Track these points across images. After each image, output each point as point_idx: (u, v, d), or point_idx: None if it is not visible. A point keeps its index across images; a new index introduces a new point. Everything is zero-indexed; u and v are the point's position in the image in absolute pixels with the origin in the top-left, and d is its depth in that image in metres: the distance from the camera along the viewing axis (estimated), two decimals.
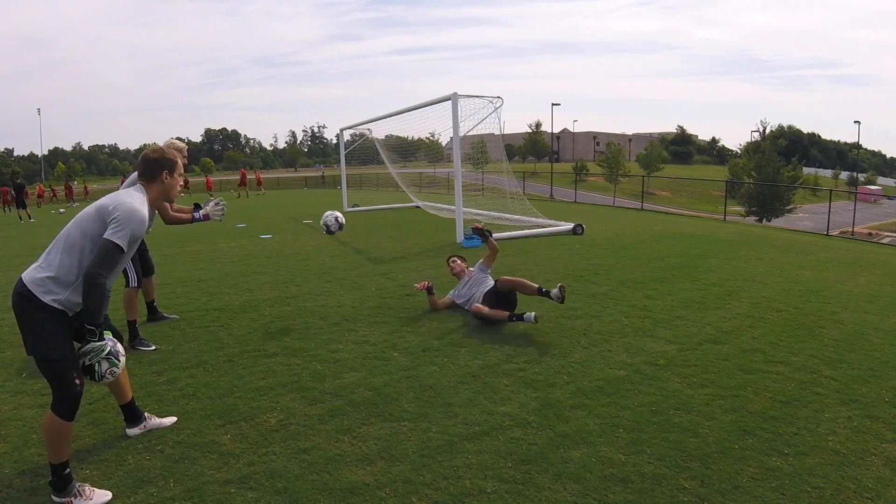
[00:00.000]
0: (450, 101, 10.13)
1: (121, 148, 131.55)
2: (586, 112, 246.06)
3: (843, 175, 73.75)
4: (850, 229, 19.58)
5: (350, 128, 18.43)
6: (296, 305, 5.75)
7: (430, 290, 5.39)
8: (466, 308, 5.27)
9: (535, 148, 72.10)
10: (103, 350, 2.54)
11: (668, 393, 3.49)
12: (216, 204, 4.26)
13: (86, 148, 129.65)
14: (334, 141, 62.58)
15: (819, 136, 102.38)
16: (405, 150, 20.22)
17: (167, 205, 4.43)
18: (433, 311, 5.41)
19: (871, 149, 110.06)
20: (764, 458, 2.74)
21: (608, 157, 49.60)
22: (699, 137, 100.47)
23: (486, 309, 4.88)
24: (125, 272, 4.58)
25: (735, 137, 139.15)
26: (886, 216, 40.95)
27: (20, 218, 20.69)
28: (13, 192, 22.00)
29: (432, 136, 18.58)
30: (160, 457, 2.83)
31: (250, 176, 35.06)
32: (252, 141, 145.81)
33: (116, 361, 2.59)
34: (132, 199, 2.59)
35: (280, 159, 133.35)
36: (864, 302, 5.77)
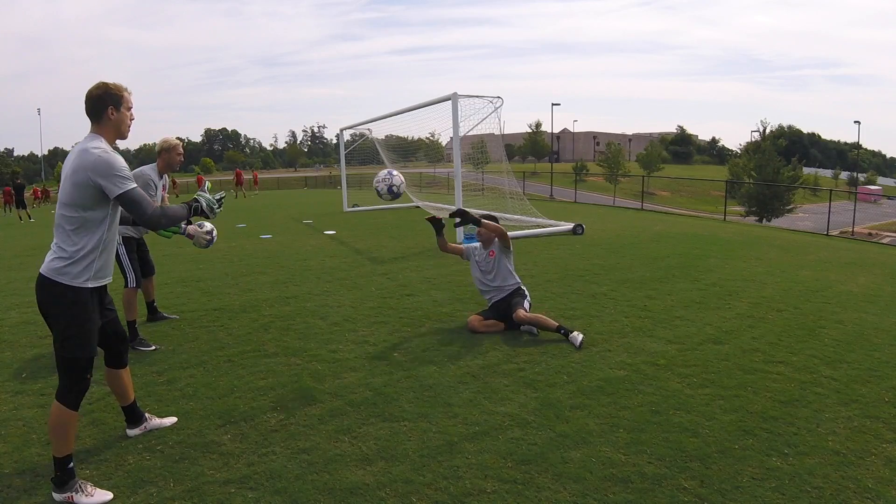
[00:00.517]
0: (450, 102, 10.12)
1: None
2: (586, 112, 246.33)
3: (843, 175, 73.73)
4: (850, 229, 19.58)
5: (350, 128, 18.43)
6: (296, 305, 5.75)
7: (439, 242, 5.00)
8: (479, 288, 5.04)
9: (535, 148, 72.13)
10: (208, 199, 2.88)
11: (668, 393, 3.49)
12: (201, 226, 4.25)
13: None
14: (334, 141, 62.53)
15: (819, 136, 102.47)
16: (405, 150, 20.20)
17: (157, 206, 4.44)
18: (441, 251, 5.17)
19: (871, 149, 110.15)
20: (764, 458, 2.74)
21: (608, 157, 49.63)
22: (699, 137, 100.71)
23: (480, 326, 4.71)
24: (123, 272, 4.57)
25: (735, 137, 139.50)
26: (886, 216, 40.95)
27: (20, 218, 20.70)
28: (14, 192, 21.98)
29: (432, 136, 18.56)
30: (160, 457, 2.83)
31: (247, 176, 35.10)
32: (252, 141, 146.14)
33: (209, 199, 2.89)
34: (95, 150, 2.45)
35: (280, 159, 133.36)
36: (864, 302, 5.77)
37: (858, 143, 76.75)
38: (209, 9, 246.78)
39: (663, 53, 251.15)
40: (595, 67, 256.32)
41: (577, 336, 4.38)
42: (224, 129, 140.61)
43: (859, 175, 73.32)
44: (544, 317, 4.66)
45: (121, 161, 2.49)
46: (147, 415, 3.13)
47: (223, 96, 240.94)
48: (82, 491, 2.46)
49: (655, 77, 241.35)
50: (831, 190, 20.63)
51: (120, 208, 2.59)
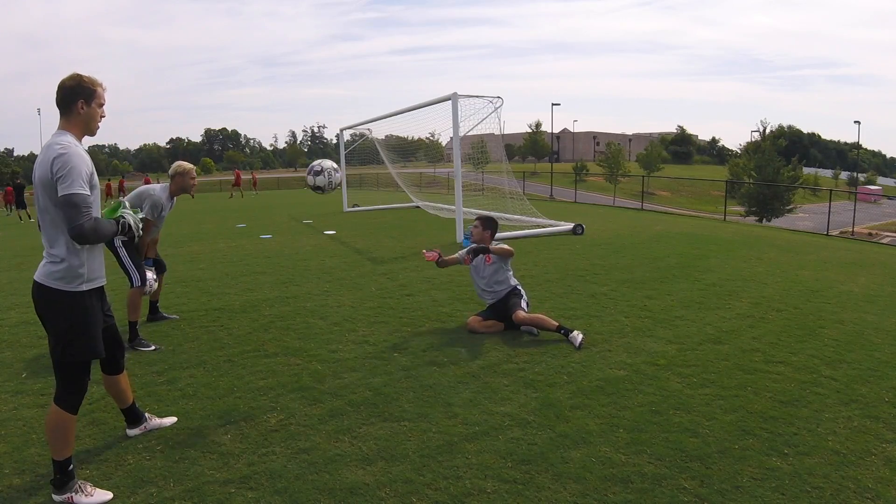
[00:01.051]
0: (450, 102, 10.13)
1: (121, 148, 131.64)
2: (586, 112, 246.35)
3: (843, 175, 73.74)
4: (850, 229, 19.58)
5: (350, 128, 18.43)
6: (296, 305, 5.75)
7: (439, 263, 4.95)
8: (477, 290, 5.06)
9: (535, 148, 72.09)
10: (130, 215, 2.70)
11: (668, 393, 3.49)
12: (156, 279, 4.82)
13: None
14: (334, 141, 62.52)
15: (819, 136, 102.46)
16: (405, 150, 20.22)
17: (149, 229, 4.58)
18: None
19: (871, 149, 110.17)
20: (764, 458, 2.74)
21: (608, 157, 49.60)
22: (699, 137, 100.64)
23: (479, 327, 4.72)
24: (127, 274, 4.56)
25: (735, 137, 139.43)
26: (886, 216, 40.95)
27: (20, 218, 20.70)
28: (14, 192, 21.98)
29: (432, 136, 18.57)
30: (160, 457, 2.83)
31: (246, 176, 35.14)
32: (252, 141, 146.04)
33: (133, 218, 2.72)
34: (58, 146, 2.37)
35: (280, 159, 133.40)
36: (864, 302, 5.77)
37: (858, 143, 76.76)
38: (209, 9, 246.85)
39: (663, 53, 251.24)
40: (595, 67, 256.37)
41: (577, 336, 4.37)
42: (224, 129, 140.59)
43: (859, 175, 73.32)
44: (544, 317, 4.66)
45: (79, 158, 2.38)
46: (147, 415, 3.12)
47: (223, 96, 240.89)
48: (82, 491, 2.46)
49: (655, 77, 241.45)
50: (831, 190, 20.63)
51: (97, 201, 2.50)
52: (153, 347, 4.46)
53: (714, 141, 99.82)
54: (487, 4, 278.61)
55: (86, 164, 2.41)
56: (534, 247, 9.29)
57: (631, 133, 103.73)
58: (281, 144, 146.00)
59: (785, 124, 79.68)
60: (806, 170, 47.77)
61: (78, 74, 2.50)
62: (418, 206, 16.95)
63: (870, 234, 26.03)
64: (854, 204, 21.09)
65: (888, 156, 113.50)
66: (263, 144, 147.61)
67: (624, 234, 10.90)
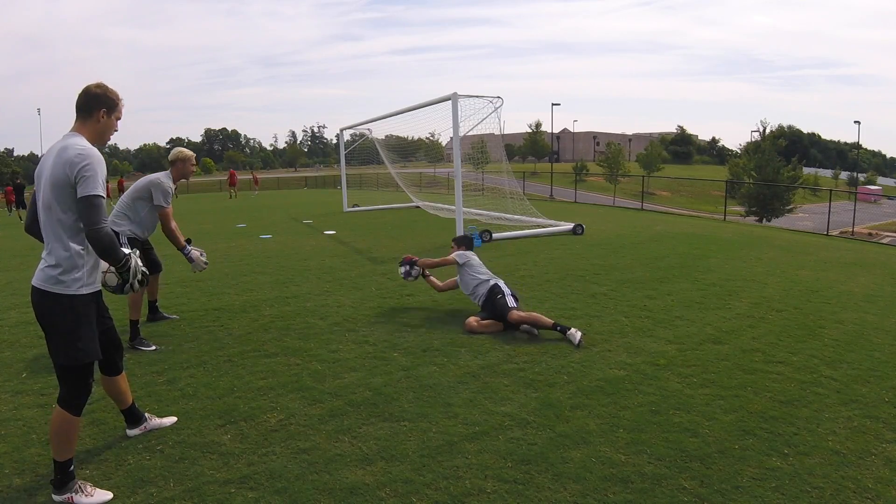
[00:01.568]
0: (450, 101, 10.12)
1: (121, 148, 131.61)
2: (586, 112, 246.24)
3: (843, 175, 73.73)
4: (850, 229, 19.56)
5: (350, 128, 18.43)
6: (296, 305, 5.75)
7: (412, 265, 5.51)
8: (467, 294, 5.30)
9: (535, 148, 72.10)
10: (138, 262, 2.65)
11: (668, 393, 3.49)
12: (202, 254, 4.70)
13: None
14: (334, 141, 62.52)
15: (819, 136, 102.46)
16: (405, 150, 20.21)
17: (169, 213, 4.56)
18: (442, 297, 5.72)
19: (871, 149, 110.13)
20: (764, 458, 2.74)
21: (608, 157, 49.63)
22: (699, 137, 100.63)
23: (478, 327, 4.73)
24: None
25: (735, 137, 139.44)
26: (886, 216, 40.93)
27: (20, 218, 20.70)
28: (14, 192, 22.00)
29: (432, 136, 18.58)
30: (160, 457, 2.83)
31: (247, 177, 35.27)
32: (252, 141, 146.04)
33: (141, 269, 2.68)
34: (78, 147, 2.40)
35: (280, 159, 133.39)
36: (864, 302, 5.77)
37: (858, 143, 76.81)
38: (209, 9, 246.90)
39: (663, 53, 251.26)
40: (595, 67, 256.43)
41: (576, 333, 4.38)
42: (224, 129, 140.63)
43: (859, 175, 73.33)
44: (539, 315, 4.68)
45: (100, 164, 2.42)
46: (147, 415, 3.13)
47: (223, 96, 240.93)
48: (82, 491, 2.46)
49: (655, 77, 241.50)
50: (831, 190, 20.62)
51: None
52: (153, 347, 4.46)
53: (714, 141, 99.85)
54: (487, 4, 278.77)
55: (103, 169, 2.46)
56: (534, 247, 9.29)
57: (631, 133, 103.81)
58: (281, 144, 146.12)
59: (785, 124, 79.69)
60: (806, 170, 47.78)
61: (104, 84, 2.59)
62: (418, 206, 16.95)
63: (870, 234, 26.02)
64: (854, 204, 21.05)
65: (888, 156, 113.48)
66: (263, 144, 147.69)
67: (624, 234, 10.90)
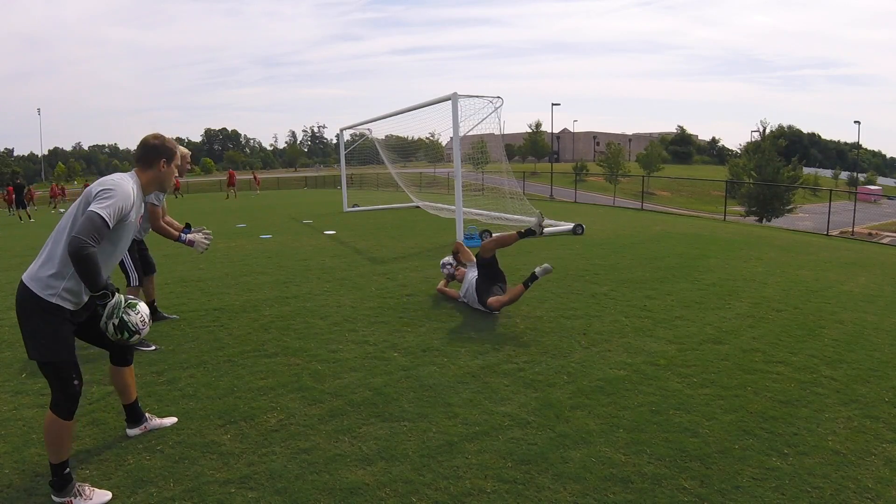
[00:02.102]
0: (450, 101, 10.11)
1: (121, 148, 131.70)
2: (586, 112, 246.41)
3: (843, 175, 73.71)
4: (850, 229, 19.56)
5: (350, 128, 18.42)
6: (296, 305, 5.75)
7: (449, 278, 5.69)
8: (474, 306, 5.38)
9: (535, 148, 72.09)
10: (120, 303, 2.50)
11: (668, 393, 3.49)
12: (204, 234, 4.35)
13: (86, 148, 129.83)
14: (334, 141, 62.54)
15: (819, 136, 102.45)
16: (405, 150, 20.21)
17: (159, 211, 4.51)
18: (442, 298, 5.76)
19: (871, 149, 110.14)
20: (764, 458, 2.74)
21: (608, 157, 49.62)
22: (699, 137, 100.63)
23: (504, 298, 5.03)
24: (125, 272, 4.58)
25: (735, 137, 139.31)
26: (886, 216, 40.93)
27: (20, 218, 20.69)
28: (14, 192, 21.97)
29: (432, 136, 18.58)
30: (160, 457, 2.83)
31: (248, 177, 35.30)
32: (252, 141, 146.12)
33: (136, 304, 2.56)
34: (119, 177, 2.55)
35: (280, 159, 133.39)
36: (864, 302, 5.77)
37: (858, 143, 76.81)
38: (209, 9, 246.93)
39: (663, 53, 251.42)
40: (595, 67, 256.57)
41: (539, 267, 4.77)
42: (224, 129, 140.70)
43: (859, 175, 73.30)
44: (511, 290, 5.04)
45: (124, 193, 2.46)
46: (147, 415, 3.13)
47: (223, 96, 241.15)
48: (81, 494, 2.46)
49: (655, 77, 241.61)
50: (831, 190, 20.62)
51: (115, 244, 2.56)
52: (153, 347, 4.46)
53: (714, 141, 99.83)
54: (487, 4, 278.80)
55: (126, 202, 2.47)
56: (534, 247, 9.29)
57: (631, 133, 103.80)
58: (281, 144, 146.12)
59: (785, 124, 79.67)
60: (806, 170, 47.73)
61: (162, 135, 2.73)
62: (418, 206, 16.95)
63: (870, 234, 26.03)
64: (854, 204, 21.04)
65: (888, 156, 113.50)
66: (263, 144, 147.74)
67: (624, 234, 10.90)
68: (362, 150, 20.09)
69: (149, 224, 4.67)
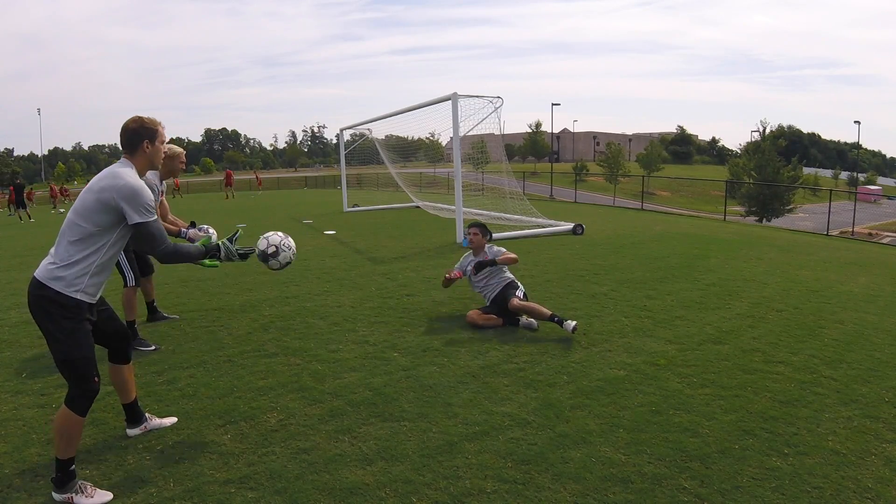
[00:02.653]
0: (450, 101, 10.12)
1: (121, 148, 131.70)
2: (586, 112, 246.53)
3: (843, 175, 73.71)
4: (850, 229, 19.56)
5: (350, 128, 18.43)
6: (296, 305, 5.75)
7: (446, 284, 5.20)
8: (475, 289, 5.27)
9: (535, 148, 72.10)
10: (230, 250, 2.88)
11: (668, 393, 3.49)
12: (201, 229, 4.52)
13: (86, 148, 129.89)
14: (334, 141, 62.53)
15: (819, 136, 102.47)
16: (405, 150, 20.22)
17: (167, 209, 4.54)
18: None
19: (871, 149, 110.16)
20: (764, 458, 2.74)
21: (608, 157, 49.61)
22: (699, 137, 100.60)
23: (479, 320, 4.83)
24: (122, 272, 4.56)
25: (735, 137, 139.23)
26: (886, 216, 40.92)
27: (20, 218, 20.68)
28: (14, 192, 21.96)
29: (432, 136, 18.59)
30: (160, 457, 2.83)
31: (250, 177, 35.25)
32: (252, 141, 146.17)
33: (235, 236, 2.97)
34: (127, 176, 2.54)
35: (280, 159, 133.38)
36: (864, 302, 5.77)
37: (858, 143, 76.84)
38: (209, 9, 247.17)
39: (663, 53, 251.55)
40: (595, 67, 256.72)
41: (570, 323, 4.46)
42: (224, 129, 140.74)
43: (859, 175, 73.30)
44: (538, 305, 4.75)
45: (149, 192, 2.56)
46: (147, 415, 3.13)
47: (223, 96, 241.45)
48: (82, 492, 2.46)
49: (655, 77, 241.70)
50: (831, 190, 20.62)
51: (124, 238, 2.60)
52: (153, 347, 4.46)
53: (714, 141, 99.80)
54: (487, 4, 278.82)
55: (147, 197, 2.56)
56: (534, 247, 9.29)
57: (631, 133, 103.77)
58: (281, 144, 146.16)
59: (785, 124, 79.70)
60: (806, 170, 47.76)
61: (139, 117, 2.73)
62: (418, 206, 16.95)
63: (870, 234, 26.03)
64: (854, 204, 21.04)
65: (888, 156, 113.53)
66: (263, 144, 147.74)
67: (624, 234, 10.89)
68: (362, 150, 20.10)
69: None
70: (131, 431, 3.05)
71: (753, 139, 43.00)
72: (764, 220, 29.54)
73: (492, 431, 3.04)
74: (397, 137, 19.82)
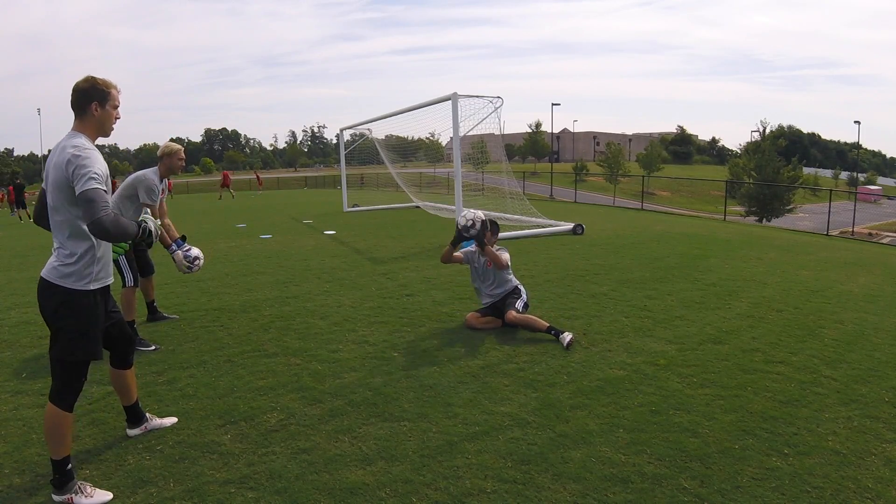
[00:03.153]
0: (450, 101, 10.13)
1: (121, 148, 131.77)
2: (586, 112, 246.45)
3: (843, 175, 73.71)
4: (850, 229, 19.56)
5: (350, 128, 18.44)
6: (296, 305, 5.75)
7: (444, 258, 4.98)
8: (474, 283, 5.10)
9: (535, 148, 72.06)
10: (153, 225, 2.62)
11: (668, 393, 3.49)
12: (188, 260, 4.26)
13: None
14: (334, 141, 62.55)
15: (819, 136, 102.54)
16: (405, 150, 20.22)
17: (155, 210, 4.44)
18: (443, 262, 5.08)
19: (871, 149, 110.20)
20: (764, 458, 2.74)
21: (608, 157, 49.58)
22: (699, 137, 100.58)
23: (477, 323, 4.80)
24: (121, 273, 4.53)
25: (735, 137, 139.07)
26: (886, 216, 40.94)
27: (20, 218, 20.69)
28: (14, 192, 21.98)
29: (432, 136, 18.60)
30: (160, 457, 2.83)
31: (251, 177, 35.21)
32: (252, 141, 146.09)
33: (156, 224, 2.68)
34: (73, 147, 2.39)
35: (280, 159, 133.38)
36: (864, 302, 5.77)
37: (858, 143, 76.82)
38: (209, 9, 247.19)
39: (663, 53, 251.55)
40: (595, 67, 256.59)
41: (566, 336, 4.37)
42: (224, 129, 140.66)
43: (859, 175, 73.30)
44: (535, 318, 4.68)
45: (94, 159, 2.39)
46: (148, 415, 3.12)
47: (223, 96, 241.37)
48: (82, 492, 2.46)
49: (655, 77, 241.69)
50: (831, 190, 20.61)
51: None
52: (153, 347, 4.46)
53: (714, 141, 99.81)
54: (487, 4, 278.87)
55: (100, 164, 2.42)
56: (534, 247, 9.29)
57: (631, 133, 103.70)
58: (281, 144, 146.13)
59: (785, 124, 79.64)
60: (806, 170, 47.74)
61: (92, 77, 2.53)
62: (418, 206, 16.95)
63: (870, 234, 26.03)
64: (854, 204, 21.05)
65: (888, 156, 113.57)
66: (263, 144, 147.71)
67: (624, 234, 10.89)
68: (362, 150, 20.10)
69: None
70: (131, 432, 3.05)
71: (753, 139, 42.92)
72: (764, 220, 29.53)
73: (492, 431, 3.04)
74: (397, 137, 19.83)
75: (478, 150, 19.65)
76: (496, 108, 10.57)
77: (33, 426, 3.16)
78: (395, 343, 4.50)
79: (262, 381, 3.77)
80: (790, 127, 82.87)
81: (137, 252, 4.80)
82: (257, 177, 43.28)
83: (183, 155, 4.76)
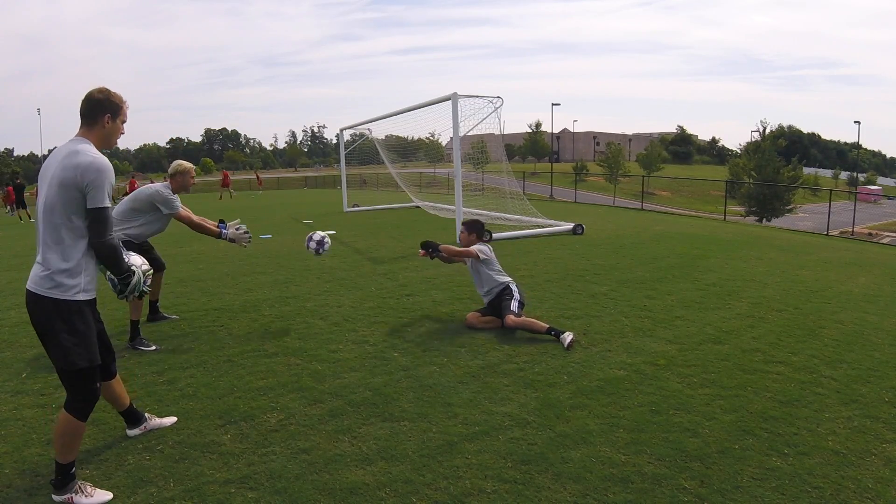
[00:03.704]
0: (450, 101, 10.12)
1: (121, 148, 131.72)
2: (586, 112, 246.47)
3: (843, 175, 73.71)
4: (850, 229, 19.56)
5: (350, 128, 18.42)
6: (296, 305, 5.75)
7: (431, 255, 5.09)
8: (476, 283, 5.14)
9: (535, 148, 72.09)
10: (139, 280, 2.72)
11: (668, 393, 3.49)
12: (238, 229, 4.72)
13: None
14: (334, 141, 62.55)
15: (819, 136, 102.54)
16: (405, 150, 20.21)
17: (182, 215, 4.60)
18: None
19: (871, 149, 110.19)
20: (764, 458, 2.74)
21: (608, 157, 49.59)
22: (699, 137, 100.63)
23: (477, 323, 4.81)
24: None
25: (735, 137, 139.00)
26: (886, 216, 40.95)
27: (20, 218, 20.69)
28: (14, 192, 21.97)
29: (432, 136, 18.57)
30: (160, 457, 2.83)
31: (251, 177, 35.21)
32: (252, 141, 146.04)
33: (146, 273, 2.78)
34: (88, 154, 2.40)
35: (280, 159, 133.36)
36: (864, 302, 5.77)
37: (858, 143, 76.86)
38: (209, 9, 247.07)
39: (663, 53, 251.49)
40: (595, 67, 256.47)
41: (567, 336, 4.36)
42: (224, 129, 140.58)
43: (859, 175, 73.30)
44: (533, 321, 4.67)
45: (110, 172, 2.43)
46: (147, 415, 3.12)
47: (223, 96, 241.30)
48: (82, 492, 2.46)
49: (655, 77, 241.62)
50: (831, 190, 20.61)
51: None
52: (153, 347, 4.46)
53: (714, 141, 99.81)
54: (487, 4, 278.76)
55: (113, 177, 2.46)
56: (534, 247, 9.29)
57: (631, 133, 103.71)
58: (281, 144, 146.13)
59: (785, 124, 79.68)
60: (806, 170, 47.72)
61: (107, 89, 2.58)
62: (418, 206, 16.95)
63: (870, 234, 26.02)
64: (854, 204, 21.04)
65: (888, 156, 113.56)
66: (263, 144, 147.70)
67: (624, 234, 10.90)
68: (362, 150, 20.10)
69: (151, 233, 4.70)
70: (131, 432, 3.05)
71: (753, 139, 42.94)
72: (764, 220, 29.53)
73: (492, 431, 3.04)
74: (397, 137, 19.81)
75: (478, 150, 19.66)
76: (496, 108, 10.56)
77: (33, 426, 3.16)
78: (395, 343, 4.50)
79: (262, 381, 3.77)
80: (790, 127, 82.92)
81: (144, 251, 4.80)
82: (257, 177, 43.27)
83: (194, 174, 5.05)
